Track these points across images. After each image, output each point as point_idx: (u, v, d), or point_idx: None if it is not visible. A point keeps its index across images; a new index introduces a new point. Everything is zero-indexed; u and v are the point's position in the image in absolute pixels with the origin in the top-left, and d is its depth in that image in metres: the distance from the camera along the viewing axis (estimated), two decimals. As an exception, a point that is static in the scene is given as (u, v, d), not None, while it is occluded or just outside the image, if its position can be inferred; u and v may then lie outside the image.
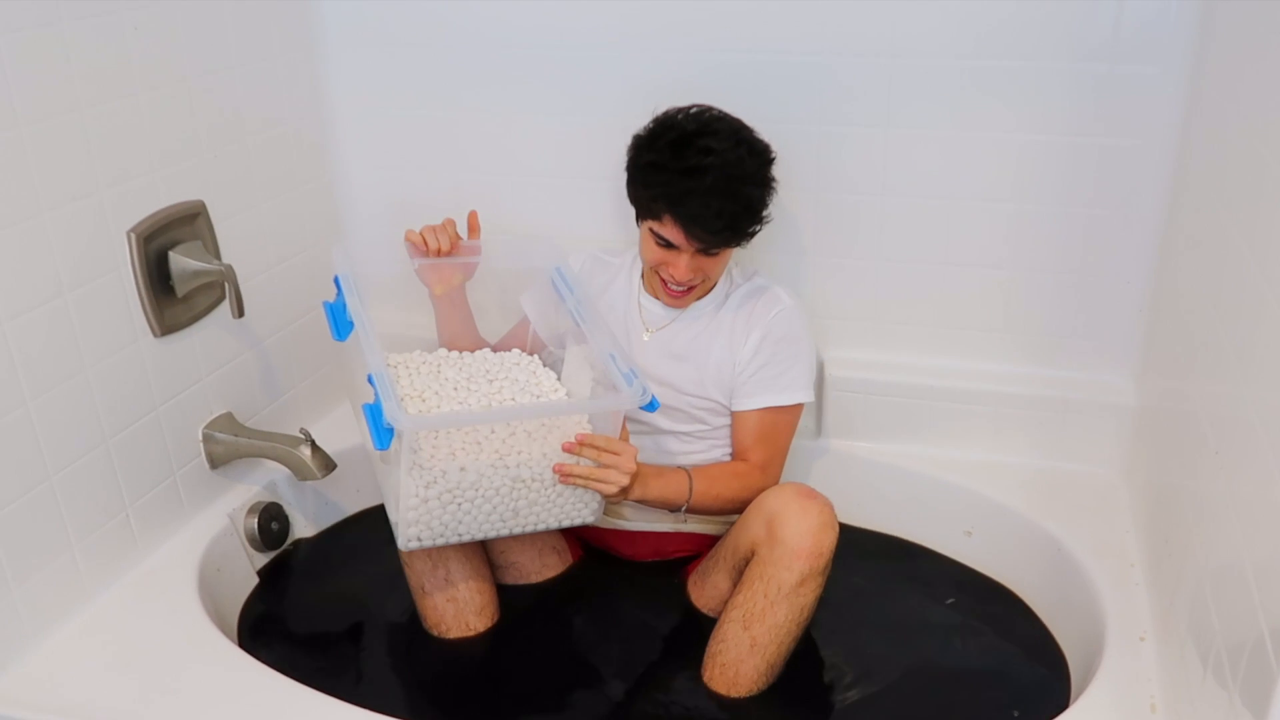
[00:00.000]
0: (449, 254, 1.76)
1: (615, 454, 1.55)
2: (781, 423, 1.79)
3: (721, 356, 1.79)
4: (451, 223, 1.77)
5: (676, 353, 1.81)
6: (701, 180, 1.60)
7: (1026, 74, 1.77)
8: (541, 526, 1.63)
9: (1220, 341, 1.33)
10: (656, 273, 1.75)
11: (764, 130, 1.87)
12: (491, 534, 1.61)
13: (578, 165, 2.04)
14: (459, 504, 1.54)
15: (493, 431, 1.58)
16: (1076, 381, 1.94)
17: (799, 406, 1.80)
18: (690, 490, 1.69)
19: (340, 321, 1.64)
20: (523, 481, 1.56)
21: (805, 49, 1.85)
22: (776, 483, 1.79)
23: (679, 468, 1.73)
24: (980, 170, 1.86)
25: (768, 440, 1.79)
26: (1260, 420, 1.11)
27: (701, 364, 1.80)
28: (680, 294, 1.75)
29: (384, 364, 1.52)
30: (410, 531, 1.56)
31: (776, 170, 1.90)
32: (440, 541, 1.58)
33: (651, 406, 1.55)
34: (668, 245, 1.68)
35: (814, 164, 1.92)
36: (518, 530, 1.62)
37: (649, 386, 1.56)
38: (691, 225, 1.63)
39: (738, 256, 1.89)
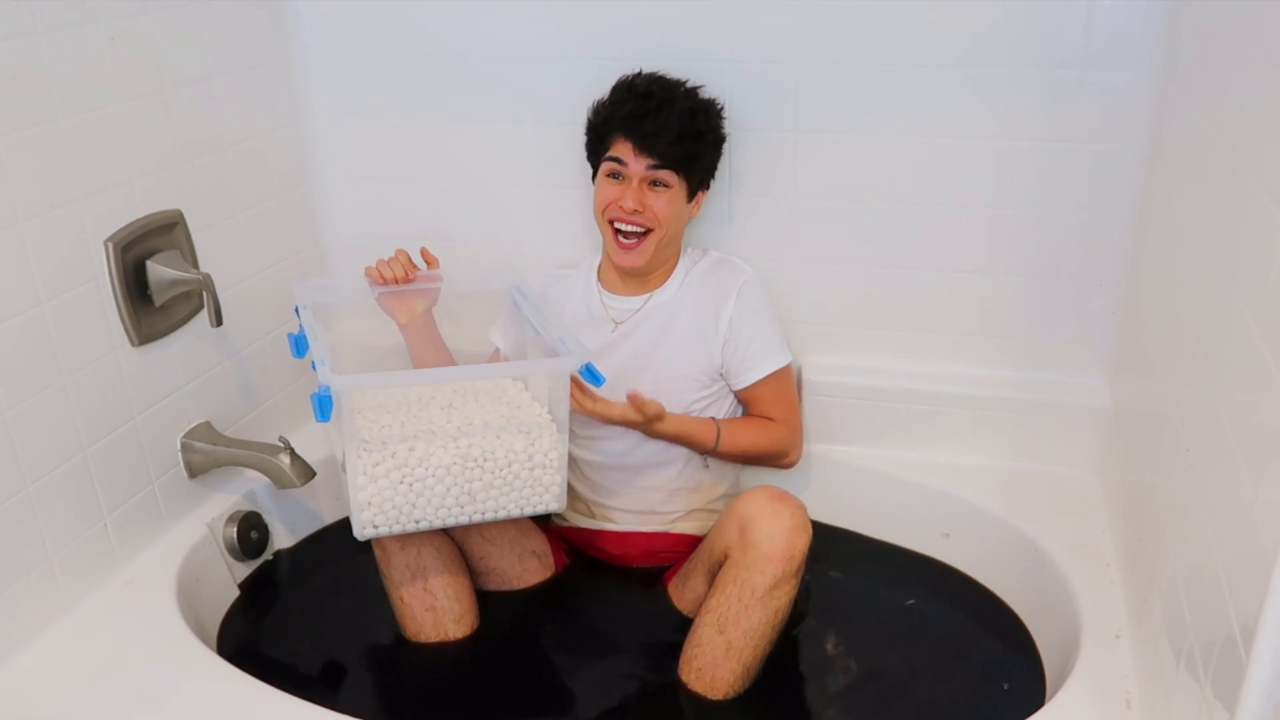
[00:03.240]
0: (405, 283, 1.79)
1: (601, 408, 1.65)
2: (785, 379, 1.89)
3: (696, 334, 1.82)
4: (404, 253, 1.80)
5: (647, 340, 1.84)
6: (649, 102, 1.75)
7: (1000, 81, 1.79)
8: (503, 514, 1.64)
9: (1190, 342, 1.35)
10: (609, 222, 1.79)
11: (738, 136, 1.91)
12: (451, 521, 1.61)
13: (556, 173, 2.05)
14: (409, 484, 1.55)
15: (449, 421, 1.61)
16: (1052, 384, 1.96)
17: (790, 364, 1.89)
18: (718, 437, 1.79)
19: (301, 342, 1.66)
20: (474, 461, 1.57)
21: (776, 57, 1.86)
22: (801, 433, 1.94)
23: (708, 418, 1.81)
24: (955, 175, 1.88)
25: (780, 399, 1.89)
26: (1230, 419, 1.13)
27: (674, 345, 1.83)
28: (630, 245, 1.78)
29: (326, 349, 1.54)
30: (364, 516, 1.56)
31: (753, 179, 1.92)
32: (397, 529, 1.59)
33: (595, 379, 1.57)
34: (617, 176, 1.76)
35: (790, 170, 1.94)
36: (478, 518, 1.62)
37: (587, 349, 1.60)
38: (641, 139, 1.74)
39: (701, 239, 1.95)
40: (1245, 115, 1.21)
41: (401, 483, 1.55)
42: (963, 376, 2.00)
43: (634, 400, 1.67)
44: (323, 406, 1.45)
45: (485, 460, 1.58)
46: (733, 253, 1.99)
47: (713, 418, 1.84)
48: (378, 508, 1.56)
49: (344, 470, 1.59)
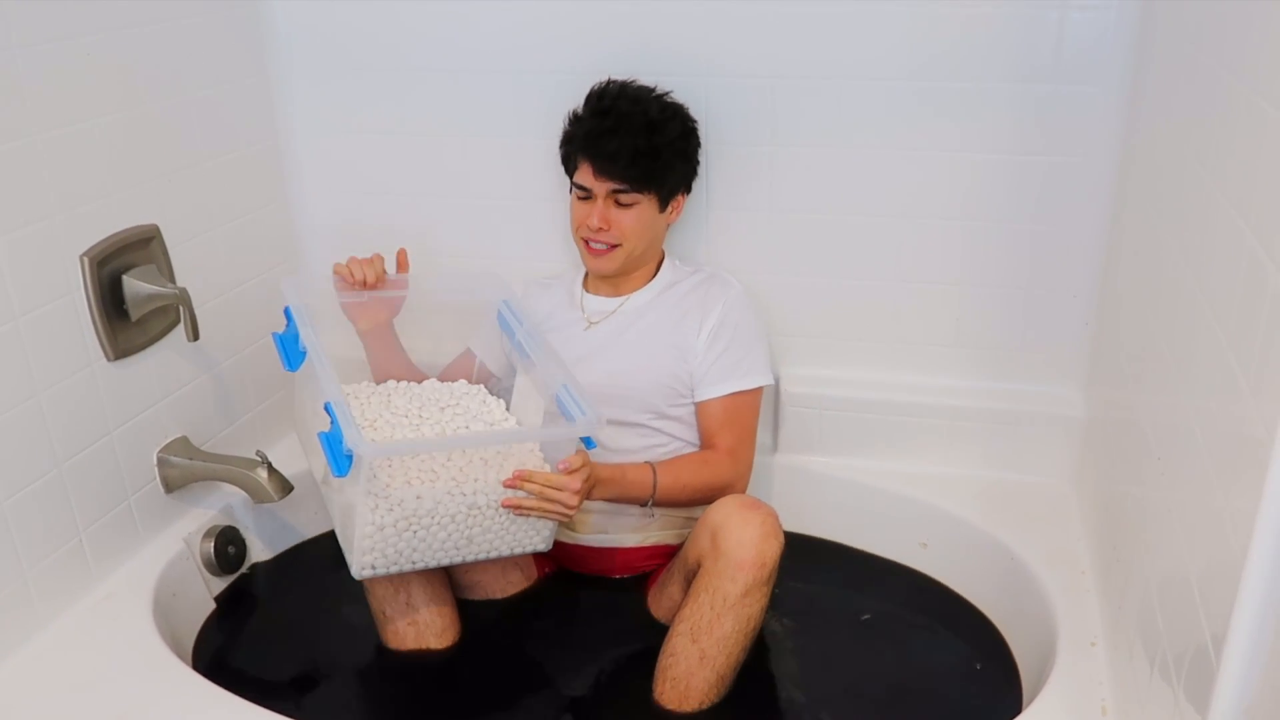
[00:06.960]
0: (374, 287, 1.78)
1: (556, 489, 1.56)
2: (745, 406, 1.83)
3: (674, 340, 1.82)
4: (380, 258, 1.80)
5: (621, 341, 1.84)
6: (606, 120, 1.75)
7: (973, 95, 1.81)
8: (494, 554, 1.63)
9: (1160, 352, 1.37)
10: (582, 239, 1.81)
11: (715, 150, 1.91)
12: (445, 561, 1.61)
13: (533, 186, 2.05)
14: (414, 531, 1.54)
15: (449, 459, 1.58)
16: (1026, 394, 1.98)
17: (760, 389, 1.84)
18: (654, 483, 1.71)
19: (291, 352, 1.65)
20: (478, 508, 1.57)
21: (756, 72, 1.88)
22: (748, 467, 1.83)
23: (643, 463, 1.74)
24: (930, 188, 1.90)
25: (732, 424, 1.81)
26: (1200, 428, 1.14)
27: (647, 349, 1.82)
28: (600, 252, 1.80)
29: (340, 391, 1.52)
30: (365, 560, 1.55)
31: (730, 192, 1.92)
32: (394, 569, 1.58)
33: (588, 444, 1.59)
34: (585, 196, 1.78)
35: (766, 183, 1.95)
36: (470, 558, 1.62)
37: (601, 415, 1.57)
38: (599, 162, 1.75)
39: (679, 252, 1.95)
40: (1213, 128, 1.23)
41: (407, 530, 1.54)
42: (938, 387, 2.01)
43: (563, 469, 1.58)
44: (339, 464, 1.44)
45: (488, 508, 1.57)
46: (710, 266, 2.00)
47: (648, 462, 1.75)
48: (379, 551, 1.54)
49: (329, 491, 1.58)
